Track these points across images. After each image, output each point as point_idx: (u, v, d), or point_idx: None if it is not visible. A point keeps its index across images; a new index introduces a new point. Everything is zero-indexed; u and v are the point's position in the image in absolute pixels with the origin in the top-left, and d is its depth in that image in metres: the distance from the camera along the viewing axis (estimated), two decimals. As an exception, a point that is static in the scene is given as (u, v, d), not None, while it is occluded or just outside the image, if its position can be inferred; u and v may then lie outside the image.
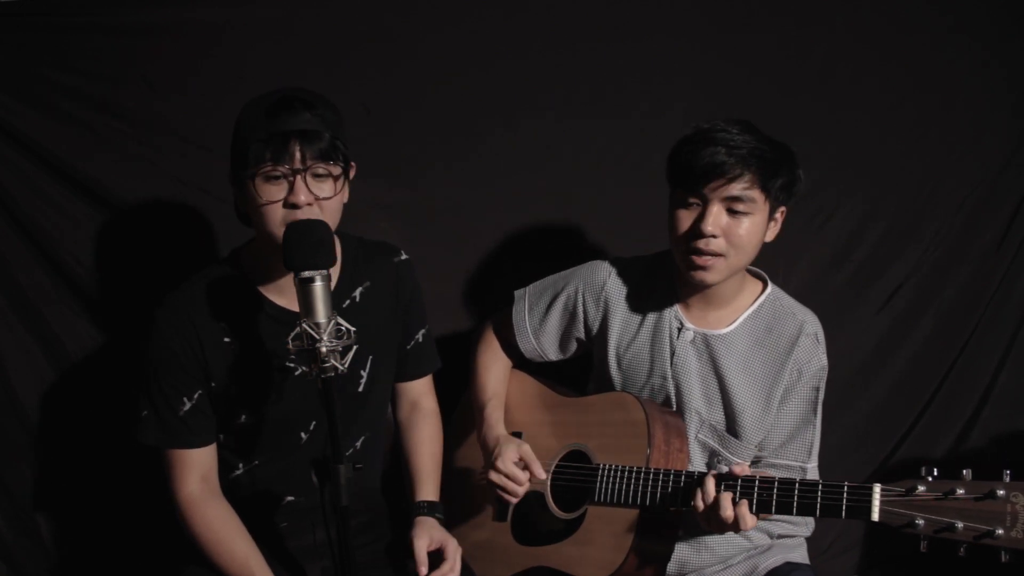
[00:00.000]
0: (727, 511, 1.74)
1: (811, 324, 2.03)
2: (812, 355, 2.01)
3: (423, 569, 1.89)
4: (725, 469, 1.97)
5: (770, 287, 2.07)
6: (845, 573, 2.72)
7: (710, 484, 1.78)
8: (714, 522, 1.78)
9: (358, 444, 2.07)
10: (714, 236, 1.88)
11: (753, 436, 2.01)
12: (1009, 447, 2.72)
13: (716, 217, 1.88)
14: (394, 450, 2.29)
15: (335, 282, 1.96)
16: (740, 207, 1.88)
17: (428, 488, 2.08)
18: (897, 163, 2.70)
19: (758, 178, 1.87)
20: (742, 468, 1.78)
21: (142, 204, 2.45)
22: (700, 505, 1.78)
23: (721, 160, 1.84)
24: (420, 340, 2.15)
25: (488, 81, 2.56)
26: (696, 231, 1.89)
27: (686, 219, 1.92)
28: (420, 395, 2.21)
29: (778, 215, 1.97)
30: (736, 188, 1.86)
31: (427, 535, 1.94)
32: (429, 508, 2.04)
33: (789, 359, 2.00)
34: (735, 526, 1.75)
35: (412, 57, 2.52)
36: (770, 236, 1.97)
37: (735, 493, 1.76)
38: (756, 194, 1.88)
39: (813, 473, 2.04)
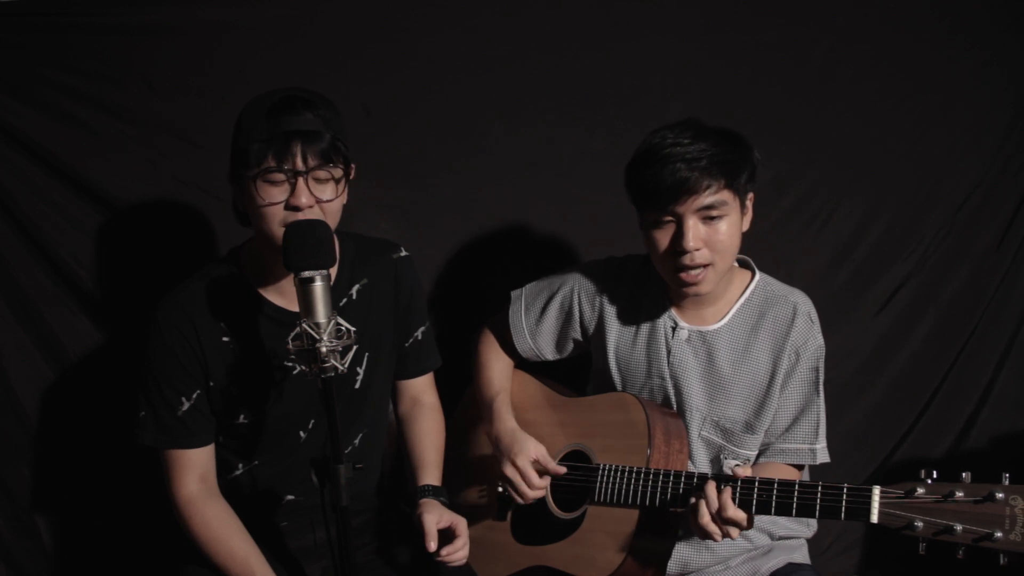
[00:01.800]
0: (730, 510, 1.74)
1: (804, 304, 2.03)
2: (808, 335, 2.00)
3: (432, 544, 1.88)
4: (735, 462, 1.98)
5: (758, 275, 2.07)
6: (845, 573, 2.72)
7: (711, 489, 1.77)
8: (719, 525, 1.76)
9: (356, 441, 2.07)
10: (697, 249, 1.88)
11: (759, 425, 2.01)
12: (1009, 447, 2.72)
13: (694, 230, 1.87)
14: (396, 451, 2.29)
15: (332, 280, 1.95)
16: (714, 213, 1.87)
17: (432, 474, 2.07)
18: (897, 163, 2.70)
19: (725, 182, 1.87)
20: (743, 470, 1.78)
21: (142, 204, 2.45)
22: (705, 511, 1.77)
23: (685, 176, 1.83)
24: (419, 338, 2.14)
25: (488, 82, 2.56)
26: (677, 248, 1.89)
27: (664, 238, 1.91)
28: (421, 392, 2.20)
29: (748, 202, 1.97)
30: (706, 198, 1.86)
31: (436, 513, 1.92)
32: (434, 491, 2.02)
33: (787, 342, 1.99)
34: (739, 526, 1.75)
35: (412, 58, 2.53)
36: (746, 225, 1.97)
37: (735, 493, 1.76)
38: (726, 195, 1.88)
39: (823, 454, 2.01)
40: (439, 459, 2.12)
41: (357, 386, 2.02)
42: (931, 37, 2.67)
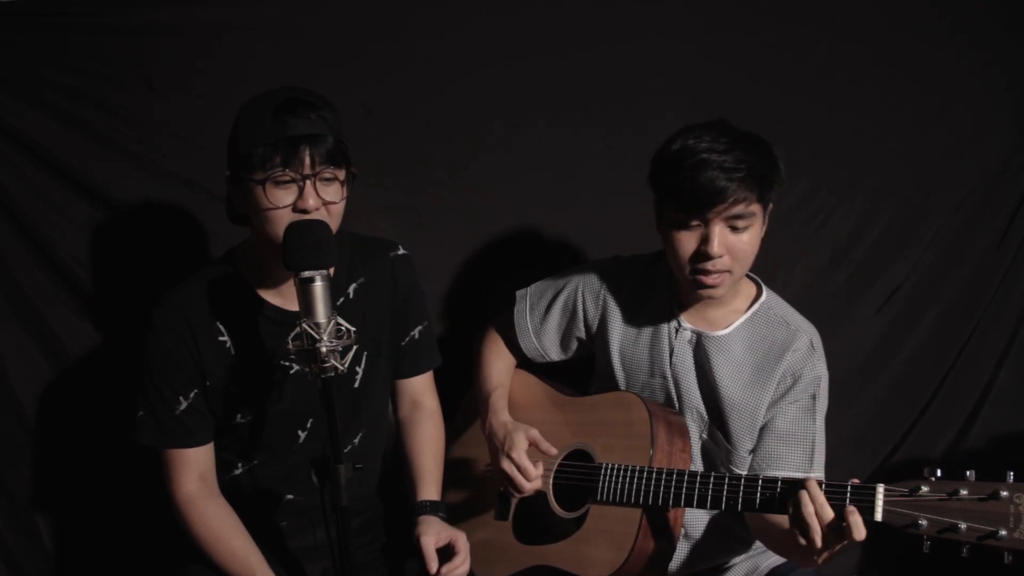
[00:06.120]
0: (825, 508, 1.62)
1: (805, 333, 2.00)
2: (807, 361, 1.98)
3: (433, 566, 1.88)
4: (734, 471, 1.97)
5: (765, 293, 2.06)
6: (845, 573, 2.71)
7: (813, 483, 1.66)
8: (820, 523, 1.65)
9: (356, 441, 2.07)
10: (720, 256, 1.88)
11: (740, 442, 1.99)
12: (1009, 447, 2.72)
13: (720, 237, 1.87)
14: (395, 452, 2.28)
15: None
16: (741, 224, 1.87)
17: (430, 488, 2.07)
18: (896, 163, 2.70)
19: (757, 195, 1.86)
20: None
21: (142, 204, 2.45)
22: (807, 501, 1.64)
23: (723, 186, 1.82)
24: (417, 337, 2.13)
25: (488, 82, 2.56)
26: (702, 253, 1.88)
27: (689, 240, 1.90)
28: (420, 393, 2.19)
29: (768, 213, 1.97)
30: (738, 208, 1.85)
31: (434, 532, 1.93)
32: (432, 507, 2.02)
33: (779, 367, 1.97)
34: (839, 533, 1.64)
35: (412, 58, 2.53)
36: (762, 234, 1.97)
37: (735, 491, 1.74)
38: (756, 207, 1.88)
39: None
40: (438, 470, 2.11)
41: (356, 385, 2.02)
42: (931, 37, 2.66)
